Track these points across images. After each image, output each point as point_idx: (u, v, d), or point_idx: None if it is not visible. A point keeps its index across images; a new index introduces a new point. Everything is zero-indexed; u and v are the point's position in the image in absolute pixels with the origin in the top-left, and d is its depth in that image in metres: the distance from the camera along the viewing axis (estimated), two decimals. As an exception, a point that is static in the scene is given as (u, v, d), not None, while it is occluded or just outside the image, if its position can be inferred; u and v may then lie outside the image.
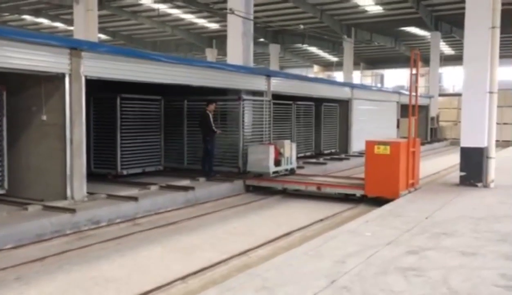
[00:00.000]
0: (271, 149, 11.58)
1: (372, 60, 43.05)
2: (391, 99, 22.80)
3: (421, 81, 34.62)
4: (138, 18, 29.36)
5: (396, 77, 43.70)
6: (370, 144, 10.06)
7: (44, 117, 8.66)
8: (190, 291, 5.28)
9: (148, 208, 9.04)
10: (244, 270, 5.61)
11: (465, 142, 10.96)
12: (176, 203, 9.64)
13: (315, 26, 27.40)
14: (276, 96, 13.92)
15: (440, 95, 32.05)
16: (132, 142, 11.51)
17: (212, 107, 11.72)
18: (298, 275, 5.02)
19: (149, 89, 11.52)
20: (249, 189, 11.53)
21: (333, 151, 18.33)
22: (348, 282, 4.77)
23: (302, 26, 21.53)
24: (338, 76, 40.63)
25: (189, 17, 29.68)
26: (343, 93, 18.68)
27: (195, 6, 24.41)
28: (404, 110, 21.72)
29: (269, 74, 14.02)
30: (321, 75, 43.96)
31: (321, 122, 17.60)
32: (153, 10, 27.15)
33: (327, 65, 44.37)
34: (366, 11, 26.37)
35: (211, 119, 11.57)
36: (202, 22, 30.62)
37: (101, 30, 27.03)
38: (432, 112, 28.21)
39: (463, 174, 10.96)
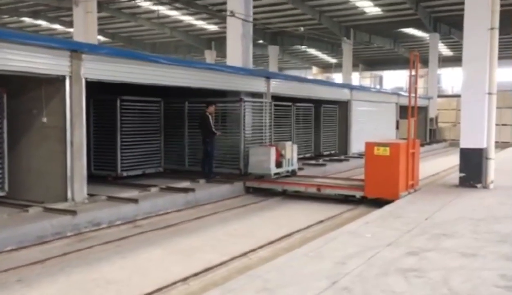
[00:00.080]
0: (272, 151, 11.59)
1: (371, 62, 43.11)
2: (390, 100, 22.84)
3: (420, 83, 34.57)
4: (137, 20, 29.39)
5: (394, 78, 43.77)
6: (369, 145, 10.08)
7: (45, 120, 8.67)
8: (191, 293, 5.29)
9: (148, 209, 9.05)
10: (245, 271, 5.62)
11: (465, 144, 10.99)
12: (176, 205, 9.65)
13: (314, 28, 27.44)
14: (276, 98, 13.94)
15: (439, 96, 32.10)
16: (132, 144, 11.52)
17: (212, 109, 11.73)
18: (299, 276, 5.03)
19: (150, 91, 11.54)
20: (249, 191, 11.54)
21: (332, 152, 18.34)
22: (349, 283, 4.79)
23: (302, 29, 21.55)
24: (337, 77, 40.66)
25: (188, 19, 29.71)
26: (342, 94, 18.71)
27: (194, 8, 24.44)
28: (403, 111, 21.75)
29: (268, 76, 14.04)
30: (320, 76, 44.01)
31: (320, 123, 17.63)
32: (152, 12, 27.19)
33: (326, 67, 44.44)
34: (365, 12, 26.41)
35: (211, 121, 11.58)
36: (201, 24, 30.66)
37: (100, 32, 27.04)
38: (431, 114, 28.25)
39: (462, 175, 10.98)
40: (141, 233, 7.86)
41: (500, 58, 10.91)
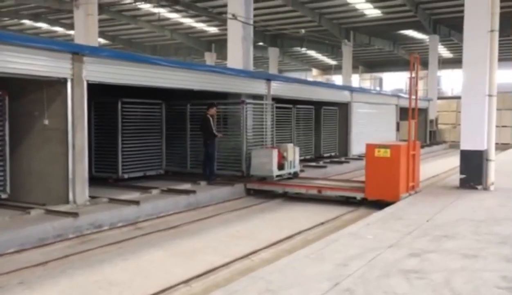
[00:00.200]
0: (275, 153, 11.61)
1: (371, 64, 43.17)
2: (390, 102, 22.87)
3: (420, 84, 34.56)
4: (138, 22, 29.41)
5: (394, 80, 43.82)
6: (370, 147, 10.09)
7: (46, 122, 8.69)
8: (193, 295, 5.31)
9: (149, 211, 9.07)
10: (247, 273, 5.63)
11: (465, 145, 11.01)
12: (177, 207, 9.67)
13: (314, 30, 27.48)
14: (276, 100, 13.96)
15: (439, 98, 32.13)
16: (133, 146, 11.55)
17: (213, 111, 11.74)
18: (301, 278, 5.04)
19: (153, 94, 11.58)
20: (250, 193, 11.56)
21: (332, 154, 18.37)
22: (351, 285, 4.80)
23: (303, 31, 21.57)
24: (337, 79, 40.71)
25: (188, 21, 29.74)
26: (342, 96, 18.74)
27: (194, 10, 24.47)
28: (403, 113, 21.78)
29: (269, 78, 14.06)
30: (320, 78, 44.04)
31: (320, 125, 17.65)
32: (152, 14, 27.24)
33: (326, 69, 44.48)
34: (364, 14, 26.45)
35: (212, 123, 11.59)
36: (201, 26, 30.69)
37: (101, 34, 27.04)
38: (431, 115, 28.28)
39: (463, 176, 11.00)
40: (143, 235, 7.87)
41: (499, 60, 10.93)
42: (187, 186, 10.87)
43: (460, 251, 6.05)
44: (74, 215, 7.81)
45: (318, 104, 17.39)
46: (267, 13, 25.61)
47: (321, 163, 16.38)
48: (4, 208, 8.17)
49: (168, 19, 28.73)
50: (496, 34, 10.55)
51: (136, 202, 8.99)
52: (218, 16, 23.58)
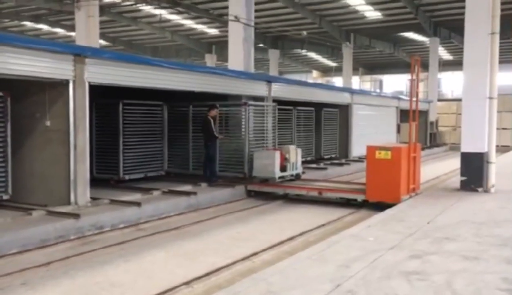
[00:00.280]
0: (277, 155, 11.62)
1: (371, 66, 43.21)
2: (390, 104, 22.90)
3: (420, 86, 34.63)
4: (138, 24, 29.46)
5: (395, 82, 43.86)
6: (371, 149, 10.11)
7: (48, 123, 8.72)
8: (195, 296, 5.33)
9: (151, 213, 9.08)
10: (248, 274, 5.65)
11: (466, 148, 11.02)
12: (178, 208, 9.68)
13: (315, 32, 27.53)
14: (277, 102, 13.99)
15: (439, 100, 32.17)
16: (134, 147, 11.56)
17: (214, 112, 11.76)
18: (303, 280, 5.06)
19: (155, 95, 11.60)
20: (250, 194, 11.57)
21: (333, 155, 18.39)
22: (353, 286, 4.82)
23: (305, 33, 21.60)
24: (337, 81, 40.78)
25: (189, 23, 29.80)
26: (343, 98, 18.77)
27: (195, 12, 24.52)
28: (404, 115, 21.82)
29: (269, 80, 14.09)
30: (320, 80, 44.08)
31: (321, 127, 17.68)
32: (153, 16, 27.29)
33: (326, 71, 44.52)
34: (365, 16, 26.49)
35: (213, 125, 11.61)
36: (201, 28, 30.75)
37: (101, 35, 27.03)
38: (431, 117, 28.31)
39: (463, 178, 11.02)
40: (144, 236, 7.89)
41: (499, 62, 10.94)
42: (188, 188, 10.88)
43: (461, 253, 6.06)
44: (76, 216, 7.83)
45: (319, 106, 17.41)
46: (268, 15, 25.66)
47: (321, 165, 16.41)
48: (6, 209, 8.19)
49: (168, 20, 28.78)
50: (497, 36, 10.57)
51: (137, 203, 9.01)
52: (219, 18, 23.62)
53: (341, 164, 17.16)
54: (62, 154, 8.57)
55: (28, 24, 29.82)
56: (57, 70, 8.20)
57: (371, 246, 6.33)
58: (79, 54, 8.58)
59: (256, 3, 15.34)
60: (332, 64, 41.18)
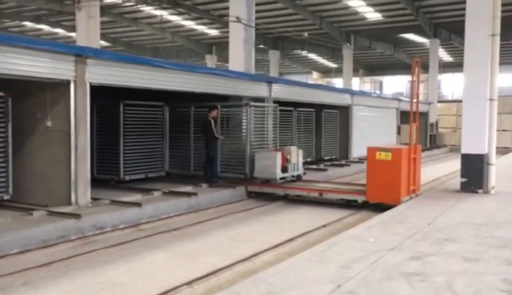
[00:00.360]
0: (278, 155, 11.62)
1: (371, 67, 43.24)
2: (390, 106, 22.92)
3: (420, 88, 34.67)
4: (139, 25, 29.50)
5: (395, 84, 43.89)
6: (371, 150, 10.12)
7: (49, 124, 8.73)
8: (196, 296, 5.34)
9: (151, 213, 9.10)
10: (249, 275, 5.66)
11: (466, 149, 11.04)
12: (178, 209, 9.69)
13: (315, 33, 27.55)
14: (277, 103, 14.00)
15: (439, 101, 32.18)
16: (135, 148, 11.58)
17: (214, 113, 11.78)
18: (303, 280, 5.07)
19: (158, 96, 11.61)
20: (251, 195, 11.58)
21: (333, 157, 18.41)
22: (354, 287, 4.83)
23: (306, 34, 21.63)
24: (337, 82, 40.78)
25: (189, 24, 29.83)
26: (343, 99, 18.79)
27: (195, 12, 24.55)
28: (404, 116, 21.84)
29: (270, 81, 14.12)
30: (320, 81, 44.12)
31: (321, 128, 17.70)
32: (153, 16, 27.31)
33: (326, 72, 44.54)
34: (365, 18, 26.52)
35: (213, 126, 11.62)
36: (202, 28, 30.78)
37: (102, 36, 27.01)
38: (432, 119, 28.33)
39: (464, 180, 11.03)
40: (145, 236, 7.89)
41: (500, 63, 10.96)
42: (188, 188, 10.90)
43: (462, 254, 6.07)
44: (77, 216, 7.84)
45: (319, 107, 17.44)
46: (268, 16, 25.69)
47: (322, 166, 16.42)
48: (6, 209, 8.20)
49: (169, 21, 28.83)
50: (497, 38, 10.59)
51: (138, 204, 9.03)
52: (219, 18, 23.64)
53: (341, 165, 17.18)
54: (63, 154, 8.59)
55: (29, 24, 29.84)
56: (58, 71, 8.22)
57: (371, 247, 6.34)
58: (81, 54, 8.59)
59: (256, 4, 15.37)
60: (332, 65, 41.21)
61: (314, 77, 45.97)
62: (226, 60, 15.39)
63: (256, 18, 15.87)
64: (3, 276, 5.84)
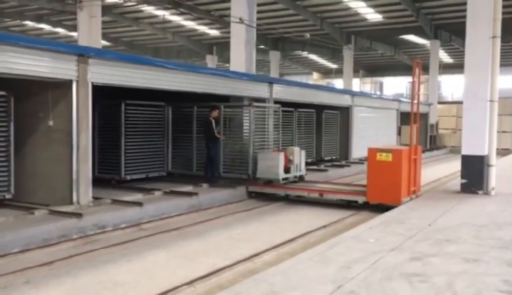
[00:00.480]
0: (281, 156, 11.63)
1: (372, 68, 43.26)
2: (391, 106, 22.95)
3: (421, 89, 34.71)
4: (140, 25, 29.52)
5: (395, 85, 43.92)
6: (372, 151, 10.14)
7: (51, 123, 8.76)
8: (197, 296, 5.36)
9: (152, 213, 9.12)
10: (250, 275, 5.69)
11: (466, 150, 11.07)
12: (179, 209, 9.72)
13: (316, 34, 27.57)
14: (278, 103, 14.01)
15: (439, 103, 32.19)
16: (136, 147, 11.60)
17: (215, 113, 11.79)
18: (304, 280, 5.09)
19: (160, 96, 11.62)
20: (251, 195, 11.60)
21: (333, 157, 18.43)
22: (355, 287, 4.85)
23: (308, 35, 21.66)
24: (338, 83, 40.80)
25: (190, 24, 29.86)
26: (343, 100, 18.81)
27: (196, 13, 24.58)
28: (404, 117, 21.86)
29: (271, 82, 14.15)
30: (321, 82, 44.15)
31: (322, 129, 17.72)
32: (154, 16, 27.34)
33: (327, 73, 44.57)
34: (366, 19, 26.55)
35: (214, 126, 11.64)
36: (202, 29, 30.80)
37: (103, 36, 26.96)
38: (432, 120, 28.35)
39: (464, 181, 11.06)
40: (146, 236, 7.92)
41: (500, 65, 10.99)
42: (189, 188, 10.92)
43: (462, 255, 6.10)
44: (78, 215, 7.87)
45: (319, 108, 17.46)
46: (269, 16, 25.71)
47: (322, 166, 16.44)
48: (8, 208, 8.23)
49: (170, 21, 28.84)
50: (498, 40, 10.62)
51: (139, 204, 9.05)
52: (220, 19, 23.67)
53: (341, 166, 17.20)
54: (64, 153, 8.61)
55: (30, 23, 29.86)
56: (60, 70, 8.25)
57: (372, 248, 6.37)
58: (83, 54, 8.62)
59: (257, 5, 15.39)
60: (332, 66, 41.23)
61: (314, 78, 45.99)
62: (227, 61, 15.44)
63: (257, 19, 15.90)
64: (5, 275, 5.87)
